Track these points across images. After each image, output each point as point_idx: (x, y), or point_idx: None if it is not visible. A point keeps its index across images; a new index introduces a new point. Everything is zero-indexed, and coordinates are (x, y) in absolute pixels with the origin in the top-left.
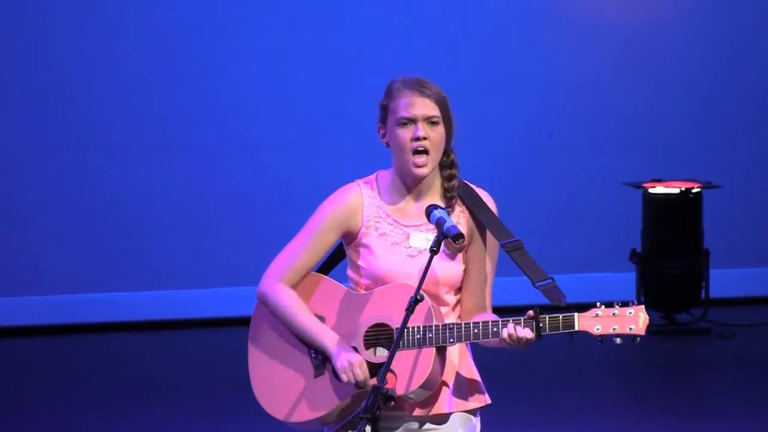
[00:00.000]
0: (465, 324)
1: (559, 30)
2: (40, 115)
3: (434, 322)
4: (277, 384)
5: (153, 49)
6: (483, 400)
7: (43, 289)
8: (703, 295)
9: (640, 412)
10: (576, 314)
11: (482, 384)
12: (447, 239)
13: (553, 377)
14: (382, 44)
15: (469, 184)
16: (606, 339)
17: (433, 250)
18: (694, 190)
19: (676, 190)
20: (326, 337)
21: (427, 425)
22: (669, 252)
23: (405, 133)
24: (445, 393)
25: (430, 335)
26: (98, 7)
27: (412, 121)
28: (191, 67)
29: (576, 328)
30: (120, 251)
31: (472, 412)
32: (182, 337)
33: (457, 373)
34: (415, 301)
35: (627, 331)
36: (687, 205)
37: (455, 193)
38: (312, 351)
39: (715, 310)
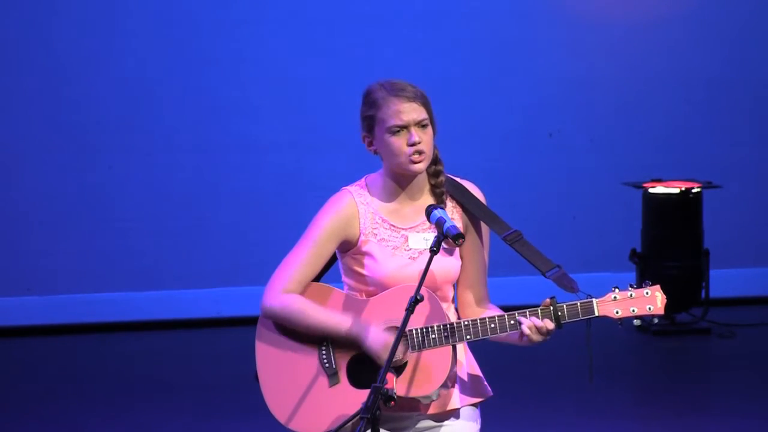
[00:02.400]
0: (480, 320)
1: (559, 29)
2: (41, 115)
3: (446, 321)
4: (291, 395)
5: (153, 49)
6: (487, 392)
7: (42, 289)
8: (703, 295)
9: (640, 412)
10: (594, 300)
11: (483, 377)
12: (447, 239)
13: (552, 377)
14: (382, 43)
15: (454, 177)
16: (625, 321)
17: (433, 251)
18: (694, 190)
19: (676, 190)
20: (345, 329)
21: (442, 422)
22: (669, 252)
23: (399, 141)
24: (455, 388)
25: (446, 334)
26: (98, 7)
27: (404, 127)
28: (191, 67)
29: (596, 314)
30: (120, 251)
31: (475, 405)
32: (182, 337)
33: (463, 368)
34: (415, 301)
35: (646, 311)
36: (687, 205)
37: (444, 189)
38: (325, 359)
39: (715, 310)
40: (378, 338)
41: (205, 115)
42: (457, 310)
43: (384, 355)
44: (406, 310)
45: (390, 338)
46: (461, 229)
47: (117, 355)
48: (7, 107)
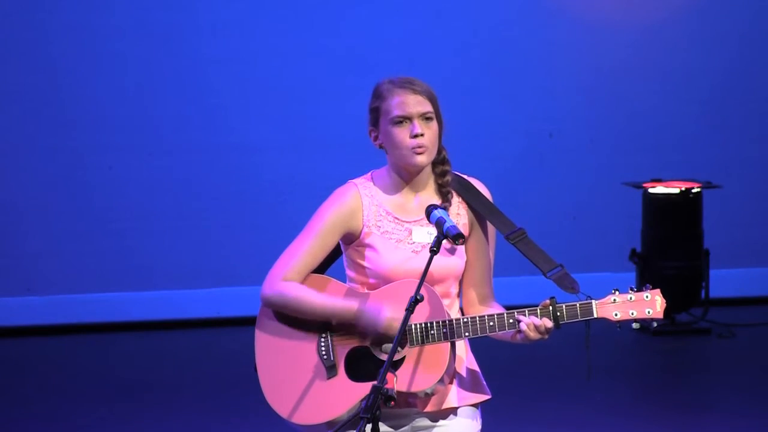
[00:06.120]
0: (480, 317)
1: (559, 30)
2: (41, 116)
3: (446, 317)
4: (288, 386)
5: (152, 51)
6: (486, 393)
7: (42, 289)
8: (703, 295)
9: (640, 412)
10: (593, 301)
11: (483, 377)
12: (447, 239)
13: (551, 378)
14: (382, 44)
15: (461, 175)
16: (624, 324)
17: (433, 251)
18: (694, 190)
19: (676, 190)
20: (349, 309)
21: (440, 421)
22: (669, 252)
23: (402, 132)
24: (454, 387)
25: (445, 330)
26: (97, 8)
27: (408, 119)
28: (190, 68)
29: (595, 315)
30: (120, 251)
31: (475, 405)
32: (182, 337)
33: (463, 366)
34: (415, 301)
35: (645, 314)
36: (687, 205)
37: (450, 188)
38: (323, 351)
39: (715, 310)
40: (384, 315)
41: (205, 116)
42: (461, 308)
43: (388, 333)
44: (406, 309)
45: (395, 315)
46: (467, 227)
47: (117, 355)
48: (6, 108)
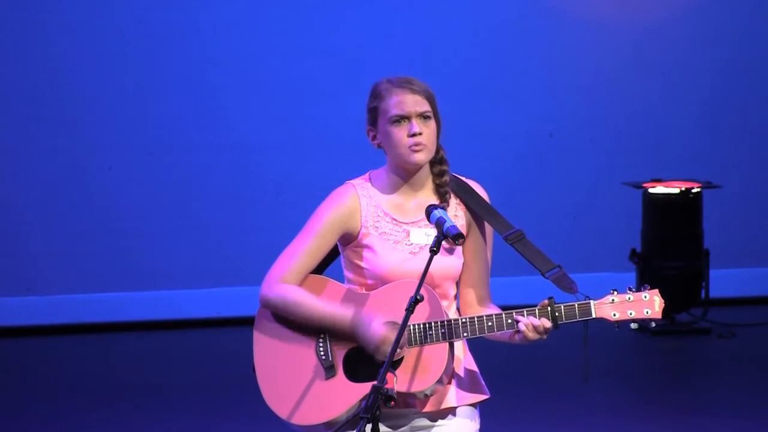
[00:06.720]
0: (478, 317)
1: (559, 30)
2: (41, 116)
3: (444, 318)
4: (287, 387)
5: (152, 51)
6: (484, 393)
7: (43, 289)
8: (703, 295)
9: (640, 412)
10: (592, 301)
11: (481, 377)
12: (447, 239)
13: (551, 377)
14: (381, 44)
15: (458, 176)
16: (622, 324)
17: (433, 251)
18: (694, 190)
19: (676, 190)
20: (345, 319)
21: (438, 421)
22: (669, 252)
23: (400, 131)
24: (452, 387)
25: (443, 330)
26: (97, 8)
27: (406, 118)
28: (190, 68)
29: (593, 316)
30: (120, 251)
31: (474, 405)
32: (182, 337)
33: (462, 366)
34: (414, 302)
35: (644, 315)
36: (687, 205)
37: (448, 188)
38: (321, 352)
39: (715, 310)
40: (378, 332)
41: (204, 117)
42: (458, 309)
43: (382, 350)
44: (406, 310)
45: (389, 333)
46: (464, 228)
47: (117, 355)
48: (6, 108)
